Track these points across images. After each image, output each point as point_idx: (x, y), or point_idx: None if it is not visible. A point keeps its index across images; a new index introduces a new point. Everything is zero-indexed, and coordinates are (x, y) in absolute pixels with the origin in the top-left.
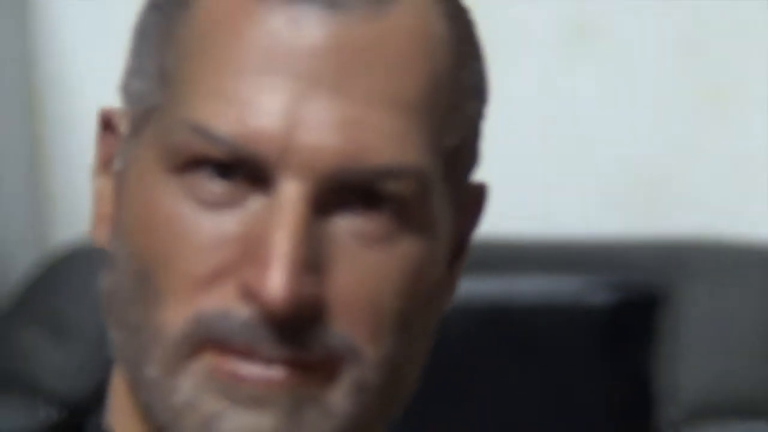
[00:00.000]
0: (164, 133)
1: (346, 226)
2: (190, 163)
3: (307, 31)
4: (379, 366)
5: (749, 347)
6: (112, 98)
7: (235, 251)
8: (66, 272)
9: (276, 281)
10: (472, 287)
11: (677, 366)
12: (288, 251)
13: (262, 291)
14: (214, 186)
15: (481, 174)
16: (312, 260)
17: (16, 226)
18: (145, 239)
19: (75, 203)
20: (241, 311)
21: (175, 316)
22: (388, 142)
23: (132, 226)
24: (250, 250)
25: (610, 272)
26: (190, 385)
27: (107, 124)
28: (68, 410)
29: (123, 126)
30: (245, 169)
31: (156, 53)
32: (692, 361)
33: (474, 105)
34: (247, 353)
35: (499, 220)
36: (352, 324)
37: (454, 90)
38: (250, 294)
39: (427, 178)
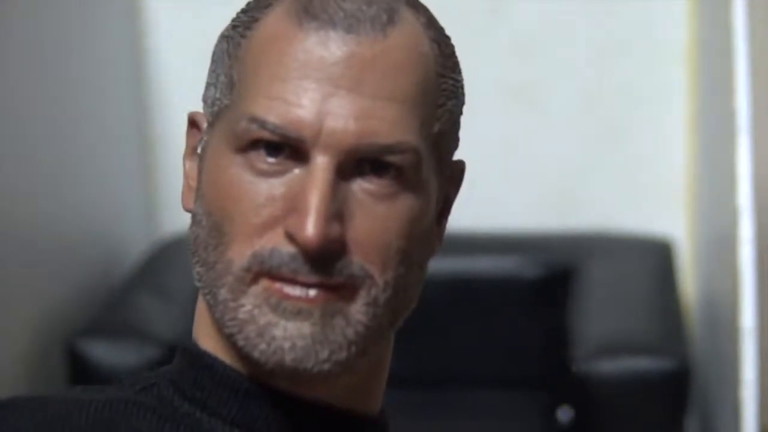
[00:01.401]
0: (231, 124)
1: (361, 187)
2: (250, 145)
3: (332, 49)
4: (386, 287)
5: (633, 307)
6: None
7: (282, 206)
8: (170, 255)
9: (310, 226)
10: (441, 264)
11: (584, 321)
12: (318, 204)
13: (300, 233)
14: (267, 161)
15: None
16: (336, 211)
17: (131, 219)
18: (218, 201)
19: (177, 202)
20: (286, 249)
21: (240, 254)
22: (390, 126)
23: (209, 192)
24: (292, 205)
25: (538, 254)
26: (250, 304)
27: (192, 122)
28: (166, 350)
29: (203, 123)
30: (289, 148)
31: (226, 69)
32: (594, 317)
33: (452, 103)
34: (291, 279)
35: (461, 215)
36: (366, 257)
37: (437, 91)
38: (292, 236)
39: (419, 153)
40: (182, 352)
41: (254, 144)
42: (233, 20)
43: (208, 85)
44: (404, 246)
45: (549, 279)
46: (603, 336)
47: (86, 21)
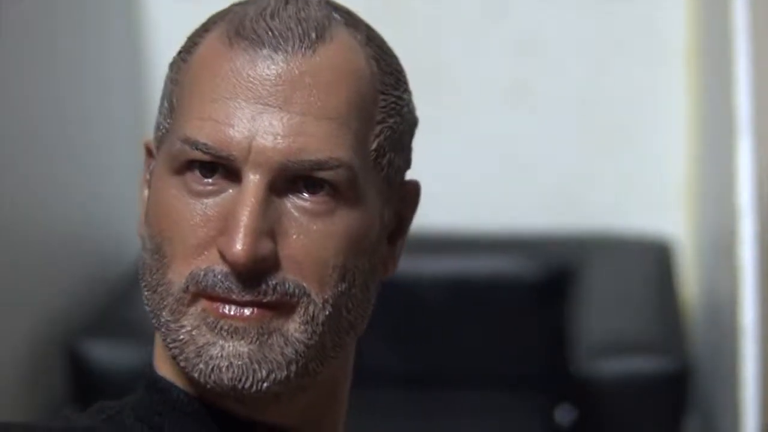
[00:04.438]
0: (168, 147)
1: (296, 204)
2: (185, 166)
3: (260, 68)
4: (325, 305)
5: (633, 307)
6: None
7: (216, 226)
8: None
9: (237, 243)
10: (441, 265)
11: (584, 321)
12: (246, 222)
13: (229, 251)
14: (202, 181)
15: (461, 184)
16: (268, 228)
17: (131, 219)
18: (158, 223)
19: None
20: (219, 268)
21: (178, 276)
22: (319, 143)
23: (151, 215)
24: (225, 224)
25: (538, 255)
26: (190, 324)
27: (148, 151)
28: None
29: (153, 150)
30: (223, 168)
31: (168, 94)
32: (594, 318)
33: (394, 120)
34: (226, 298)
35: (461, 216)
36: (302, 274)
37: (374, 108)
38: (223, 255)
39: (353, 169)
40: (142, 379)
41: (189, 165)
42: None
43: (157, 114)
44: (343, 263)
45: (549, 279)
46: (603, 336)
47: (86, 20)
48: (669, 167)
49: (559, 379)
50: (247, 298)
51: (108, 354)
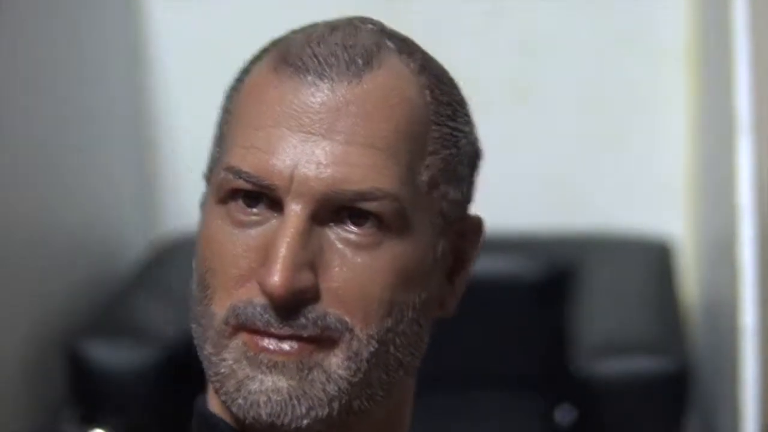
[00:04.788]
0: (216, 177)
1: (340, 236)
2: (228, 196)
3: (304, 95)
4: (370, 341)
5: (633, 307)
6: (205, 110)
7: (257, 257)
8: (170, 255)
9: (275, 275)
10: None
11: (584, 321)
12: (285, 253)
13: (266, 283)
14: (245, 211)
15: None
16: (309, 260)
17: (131, 219)
18: (203, 254)
19: (176, 202)
20: (258, 300)
21: (220, 308)
22: (363, 173)
23: (198, 246)
24: (265, 255)
25: (537, 254)
26: (231, 358)
27: (207, 180)
28: (167, 351)
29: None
30: (266, 198)
31: (220, 125)
32: (594, 317)
33: (448, 152)
34: (265, 331)
35: None
36: (344, 309)
37: (427, 138)
38: (261, 287)
39: (399, 200)
40: (194, 413)
41: (233, 195)
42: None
43: (211, 142)
44: (390, 298)
45: (549, 279)
46: (603, 336)
47: (85, 20)
48: (669, 167)
49: (559, 379)
50: (287, 331)
51: (108, 354)
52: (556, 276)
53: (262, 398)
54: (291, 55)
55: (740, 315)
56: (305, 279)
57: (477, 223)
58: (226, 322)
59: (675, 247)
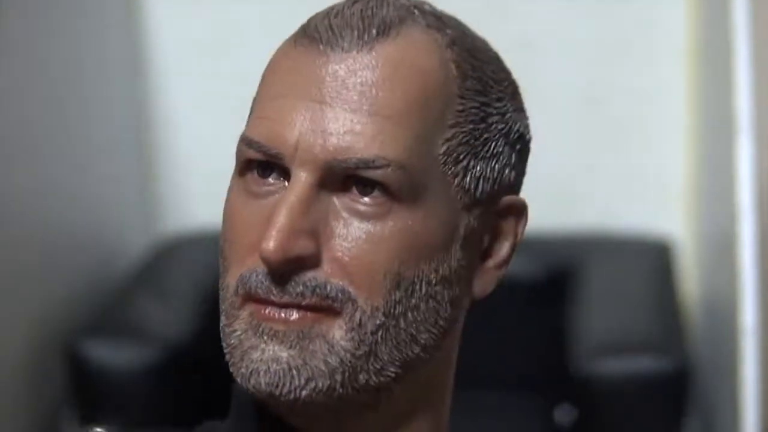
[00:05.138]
0: (237, 149)
1: (346, 205)
2: (245, 167)
3: (315, 65)
4: (375, 313)
5: (633, 307)
6: (205, 110)
7: (264, 227)
8: (170, 255)
9: (270, 242)
10: None
11: (584, 321)
12: (281, 220)
13: (261, 250)
14: (259, 182)
15: None
16: (309, 228)
17: (131, 219)
18: (223, 226)
19: (176, 202)
20: (261, 269)
21: (232, 279)
22: (368, 141)
23: (222, 219)
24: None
25: (537, 254)
26: (240, 329)
27: None
28: (167, 351)
29: None
30: (277, 168)
31: (252, 102)
32: (594, 318)
33: (473, 127)
34: (266, 299)
35: None
36: (348, 278)
37: (446, 112)
38: (259, 254)
39: (406, 169)
40: (232, 394)
41: (249, 166)
42: None
43: None
44: (397, 269)
45: (549, 279)
46: (603, 336)
47: (85, 20)
48: (669, 167)
49: (559, 379)
50: (286, 299)
51: (108, 354)
52: (556, 276)
53: (262, 367)
54: (310, 27)
55: (740, 315)
56: (302, 246)
57: (519, 206)
58: (236, 293)
59: (675, 247)
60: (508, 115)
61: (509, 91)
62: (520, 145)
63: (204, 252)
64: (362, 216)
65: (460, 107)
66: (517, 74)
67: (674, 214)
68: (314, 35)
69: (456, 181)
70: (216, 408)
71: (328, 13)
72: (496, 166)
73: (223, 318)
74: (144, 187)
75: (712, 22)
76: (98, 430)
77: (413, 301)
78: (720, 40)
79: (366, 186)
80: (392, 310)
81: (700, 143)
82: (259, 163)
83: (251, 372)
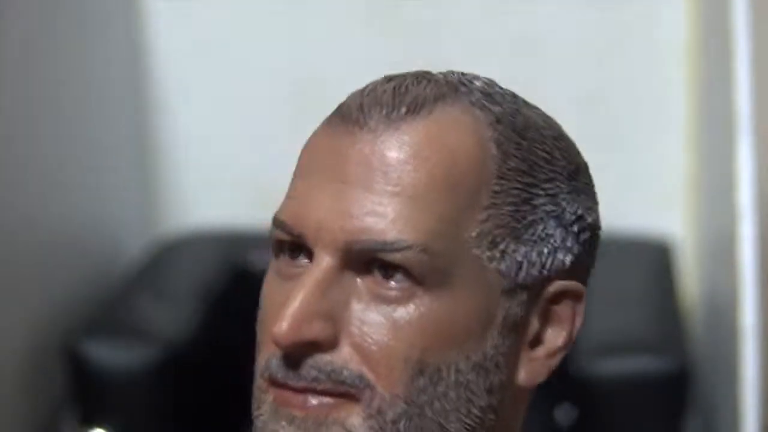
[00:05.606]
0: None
1: (369, 289)
2: (278, 248)
3: (341, 144)
4: (395, 401)
5: (633, 307)
6: (206, 110)
7: None
8: (170, 255)
9: (280, 325)
10: None
11: (583, 320)
12: (294, 303)
13: (273, 333)
14: (289, 264)
15: None
16: (326, 311)
17: (131, 219)
18: (259, 308)
19: (176, 202)
20: (279, 353)
21: (261, 362)
22: (388, 223)
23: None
24: None
25: None
26: (264, 413)
27: None
28: (167, 351)
29: None
30: (304, 249)
31: None
32: (594, 317)
33: (517, 209)
34: (285, 384)
35: None
36: (369, 365)
37: (481, 192)
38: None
39: (429, 252)
40: None
41: (281, 247)
42: None
43: None
44: (419, 356)
45: None
46: (603, 336)
47: (85, 19)
48: (669, 167)
49: (559, 379)
50: (302, 384)
51: (108, 354)
52: None
53: None
54: (343, 106)
55: (740, 315)
56: (316, 329)
57: (574, 292)
58: (262, 376)
59: (675, 247)
60: (561, 196)
61: (565, 171)
62: (578, 227)
63: (204, 252)
64: (384, 300)
65: (498, 188)
66: (516, 73)
67: (674, 214)
68: (345, 114)
69: (493, 266)
70: (216, 408)
71: (362, 91)
72: (545, 249)
73: (253, 403)
74: (144, 187)
75: (712, 22)
76: (98, 430)
77: (440, 389)
78: (720, 40)
79: (388, 269)
80: (415, 398)
81: (700, 143)
82: (290, 244)
83: None
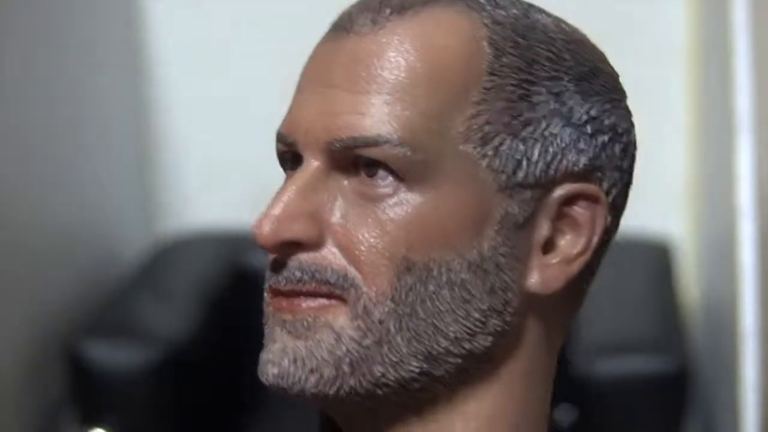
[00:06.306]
0: None
1: (355, 187)
2: (282, 164)
3: (328, 50)
4: (381, 299)
5: (633, 307)
6: (205, 110)
7: None
8: (170, 255)
9: (261, 226)
10: None
11: (583, 321)
12: (275, 204)
13: (254, 234)
14: (289, 176)
15: None
16: (309, 211)
17: (130, 219)
18: None
19: (176, 202)
20: (271, 261)
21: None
22: (367, 119)
23: None
24: None
25: None
26: (267, 323)
27: None
28: (167, 351)
29: None
30: (299, 158)
31: None
32: (594, 318)
33: (512, 105)
34: (275, 289)
35: None
36: (354, 263)
37: (470, 88)
38: None
39: (409, 147)
40: None
41: (284, 162)
42: None
43: None
44: (405, 253)
45: None
46: (603, 336)
47: (84, 18)
48: (669, 167)
49: (559, 379)
50: (289, 287)
51: (108, 354)
52: None
53: (271, 359)
54: (338, 16)
55: (740, 315)
56: (297, 229)
57: (588, 194)
58: (265, 289)
59: (675, 248)
60: (567, 95)
61: (573, 71)
62: (591, 128)
63: (204, 252)
64: (368, 198)
65: (489, 84)
66: None
67: (674, 214)
68: (336, 23)
69: (485, 162)
70: (215, 408)
71: (358, 1)
72: (549, 149)
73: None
74: (144, 187)
75: (712, 22)
76: (98, 430)
77: (431, 287)
78: (720, 40)
79: (371, 167)
80: (403, 297)
81: (700, 143)
82: (291, 155)
83: (263, 364)
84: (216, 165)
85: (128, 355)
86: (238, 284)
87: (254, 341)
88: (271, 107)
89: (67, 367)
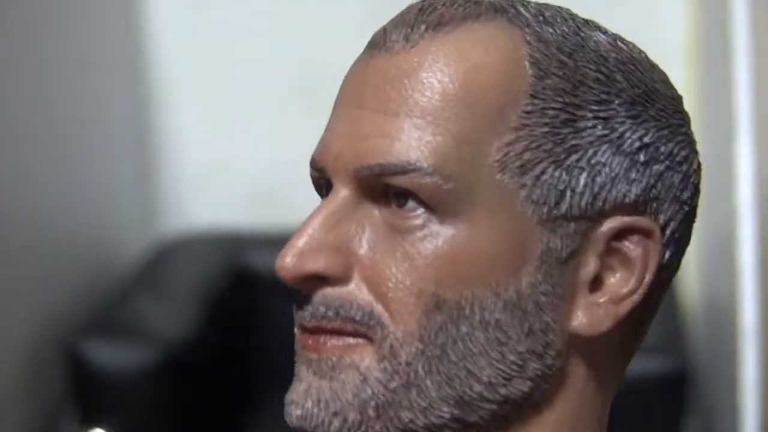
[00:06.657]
0: None
1: (385, 218)
2: (317, 189)
3: (362, 69)
4: (407, 339)
5: None
6: (205, 110)
7: None
8: (170, 255)
9: (282, 258)
10: None
11: None
12: (300, 236)
13: (277, 267)
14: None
15: None
16: (335, 243)
17: (130, 219)
18: None
19: (176, 202)
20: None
21: None
22: (396, 145)
23: None
24: None
25: None
26: (297, 360)
27: None
28: (167, 351)
29: None
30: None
31: None
32: None
33: (555, 131)
34: (301, 325)
35: None
36: (377, 300)
37: (507, 112)
38: None
39: (442, 176)
40: None
41: (319, 188)
42: None
43: None
44: (435, 290)
45: None
46: None
47: (84, 19)
48: None
49: None
50: (312, 323)
51: (108, 354)
52: None
53: (294, 399)
54: (374, 35)
55: (740, 315)
56: (322, 262)
57: (642, 228)
58: (296, 326)
59: None
60: (618, 120)
61: (626, 94)
62: (645, 157)
63: (204, 252)
64: (397, 231)
65: (530, 108)
66: None
67: None
68: (372, 39)
69: (524, 193)
70: (215, 408)
71: (393, 18)
72: (596, 178)
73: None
74: (143, 187)
75: (712, 22)
76: (98, 430)
77: (463, 328)
78: (720, 40)
79: (401, 197)
80: (433, 337)
81: (699, 143)
82: (325, 182)
83: (288, 404)
84: (216, 165)
85: (128, 355)
86: (237, 284)
87: (254, 341)
88: (271, 107)
89: (67, 367)
